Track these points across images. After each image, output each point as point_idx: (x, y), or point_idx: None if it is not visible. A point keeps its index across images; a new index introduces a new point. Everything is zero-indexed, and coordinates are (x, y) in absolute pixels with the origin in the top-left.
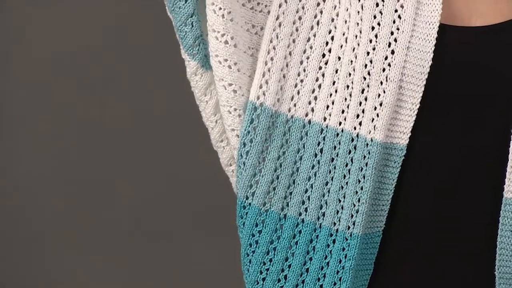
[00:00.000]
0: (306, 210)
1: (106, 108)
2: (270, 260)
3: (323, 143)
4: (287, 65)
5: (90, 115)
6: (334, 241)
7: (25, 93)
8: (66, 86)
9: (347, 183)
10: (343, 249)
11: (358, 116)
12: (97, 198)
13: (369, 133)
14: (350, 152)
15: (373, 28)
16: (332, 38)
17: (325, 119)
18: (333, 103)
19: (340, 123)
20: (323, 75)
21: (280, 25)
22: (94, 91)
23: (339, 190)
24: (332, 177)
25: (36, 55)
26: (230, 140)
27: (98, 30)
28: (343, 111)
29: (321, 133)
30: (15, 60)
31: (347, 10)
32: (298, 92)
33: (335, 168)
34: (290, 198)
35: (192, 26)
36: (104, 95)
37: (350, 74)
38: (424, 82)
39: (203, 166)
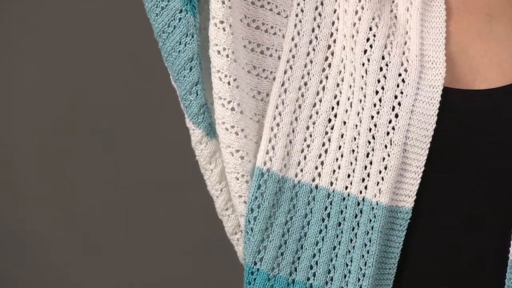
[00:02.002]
0: (314, 275)
1: (106, 109)
2: None
3: (330, 208)
4: (293, 131)
5: (90, 115)
6: None
7: (25, 93)
8: (66, 86)
9: (354, 247)
10: None
11: (363, 180)
12: (96, 198)
13: (375, 196)
14: (356, 216)
15: (377, 92)
16: (338, 103)
17: (331, 183)
18: (339, 168)
19: (346, 188)
20: (329, 140)
21: (285, 91)
22: (94, 91)
23: (346, 254)
24: (340, 242)
25: (36, 55)
26: (236, 207)
27: (98, 30)
28: (349, 176)
29: (328, 198)
30: (15, 60)
31: (351, 75)
32: (305, 158)
33: (342, 232)
34: (298, 263)
35: (197, 94)
36: (104, 95)
37: (355, 139)
38: (428, 146)
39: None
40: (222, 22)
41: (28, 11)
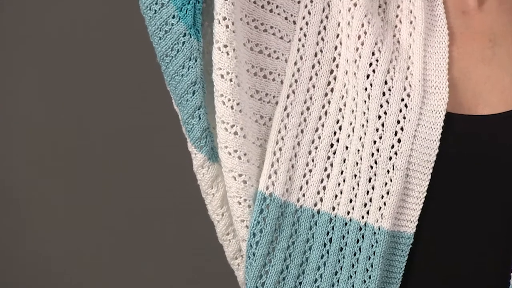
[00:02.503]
0: None
1: (106, 109)
2: None
3: (332, 233)
4: (295, 155)
5: (89, 115)
6: None
7: (24, 93)
8: (66, 87)
9: (355, 272)
10: None
11: (365, 205)
12: (96, 199)
13: (377, 221)
14: (358, 241)
15: (379, 117)
16: (340, 128)
17: (333, 208)
18: (341, 193)
19: (348, 213)
20: (331, 164)
21: (288, 116)
22: (94, 92)
23: (348, 280)
24: (341, 267)
25: (36, 55)
26: (238, 231)
27: (98, 30)
28: (351, 200)
29: (330, 223)
30: (15, 60)
31: (354, 100)
32: (307, 182)
33: (344, 257)
34: None
35: (200, 118)
36: (104, 95)
37: (357, 163)
38: (431, 171)
39: None
40: (226, 46)
41: (28, 11)
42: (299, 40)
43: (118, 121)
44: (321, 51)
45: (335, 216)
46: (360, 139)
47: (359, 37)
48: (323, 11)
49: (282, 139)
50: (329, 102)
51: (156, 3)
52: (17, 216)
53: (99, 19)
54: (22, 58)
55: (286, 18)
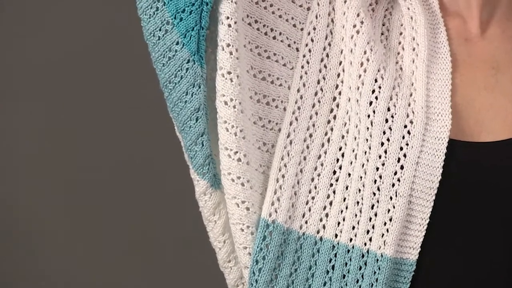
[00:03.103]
0: None
1: (105, 109)
2: None
3: (335, 260)
4: (298, 182)
5: (89, 115)
6: None
7: (24, 94)
8: (66, 87)
9: None
10: None
11: (368, 231)
12: (96, 199)
13: (379, 248)
14: (360, 268)
15: (382, 143)
16: (343, 155)
17: (336, 235)
18: (344, 220)
19: (351, 240)
20: (334, 192)
21: (291, 143)
22: (94, 92)
23: None
24: None
25: (36, 56)
26: (241, 258)
27: (99, 31)
28: (353, 227)
29: (333, 250)
30: (14, 60)
31: (356, 126)
32: (310, 209)
33: (346, 284)
34: None
35: (203, 145)
36: (104, 96)
37: (360, 190)
38: (434, 198)
39: None
40: (229, 72)
41: (28, 11)
42: (302, 67)
43: (118, 121)
44: (324, 78)
45: (338, 243)
46: (363, 166)
47: (361, 64)
48: (326, 38)
49: (285, 166)
50: (331, 129)
51: (160, 30)
52: (17, 216)
53: (99, 19)
54: (22, 58)
55: (289, 45)
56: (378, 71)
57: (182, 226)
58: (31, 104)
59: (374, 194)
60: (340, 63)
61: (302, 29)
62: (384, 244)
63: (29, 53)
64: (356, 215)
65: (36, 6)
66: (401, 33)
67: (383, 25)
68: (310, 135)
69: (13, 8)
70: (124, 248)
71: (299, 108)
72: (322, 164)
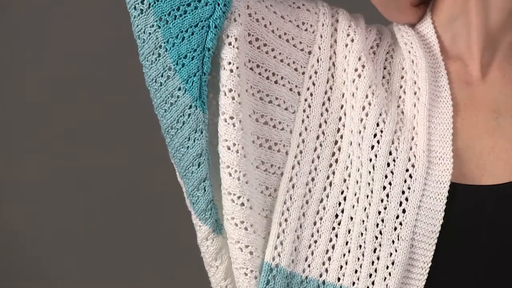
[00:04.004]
0: None
1: (105, 110)
2: None
3: None
4: (301, 226)
5: (89, 116)
6: None
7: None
8: (66, 88)
9: None
10: None
11: (370, 275)
12: (95, 200)
13: None
14: None
15: (384, 187)
16: (345, 198)
17: (339, 279)
18: (346, 263)
19: (353, 283)
20: (336, 235)
21: (293, 187)
22: (95, 92)
23: None
24: None
25: (36, 56)
26: None
27: (99, 31)
28: (356, 271)
29: None
30: (15, 60)
31: (358, 170)
32: (312, 253)
33: None
34: None
35: (205, 190)
36: (105, 96)
37: (362, 234)
38: (436, 241)
39: None
40: (232, 117)
41: (28, 11)
42: (304, 111)
43: (118, 121)
44: (326, 121)
45: (340, 287)
46: (365, 209)
47: (363, 108)
48: (327, 82)
49: (288, 210)
50: (333, 173)
51: (162, 76)
52: (16, 216)
53: (100, 19)
54: (22, 58)
55: (290, 89)
56: (380, 115)
57: (182, 227)
58: (31, 103)
59: (376, 237)
60: (342, 106)
61: (303, 73)
62: None
63: (29, 53)
64: (358, 258)
65: (36, 6)
66: (402, 77)
67: (385, 68)
68: (312, 179)
69: (13, 8)
70: (124, 249)
71: (301, 152)
72: (324, 208)
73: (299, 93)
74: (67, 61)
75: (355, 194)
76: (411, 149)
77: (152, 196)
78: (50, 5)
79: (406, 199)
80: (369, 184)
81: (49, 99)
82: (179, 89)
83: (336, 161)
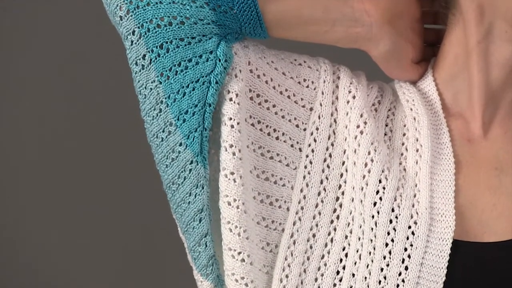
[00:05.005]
0: None
1: (105, 110)
2: None
3: None
4: (302, 283)
5: (89, 116)
6: None
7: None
8: (66, 87)
9: None
10: None
11: None
12: (96, 200)
13: None
14: None
15: (386, 244)
16: (346, 255)
17: None
18: None
19: None
20: None
21: (294, 243)
22: (95, 92)
23: None
24: None
25: (36, 56)
26: None
27: (98, 32)
28: None
29: None
30: (14, 60)
31: (360, 227)
32: None
33: None
34: None
35: (206, 246)
36: (105, 96)
37: None
38: None
39: None
40: (232, 173)
41: (28, 11)
42: (305, 167)
43: (118, 122)
44: (327, 178)
45: None
46: (367, 266)
47: (365, 165)
48: (329, 138)
49: (289, 266)
50: (335, 229)
51: (163, 131)
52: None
53: (99, 19)
54: (22, 58)
55: (292, 145)
56: (382, 172)
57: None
58: (31, 104)
59: None
60: (343, 163)
61: (305, 129)
62: None
63: (29, 53)
64: None
65: (36, 7)
66: (404, 134)
67: (386, 125)
68: (314, 235)
69: (13, 8)
70: (124, 249)
71: (302, 208)
72: (325, 264)
73: (300, 150)
74: (67, 61)
75: (357, 251)
76: (413, 206)
77: (152, 198)
78: (50, 6)
79: (409, 256)
80: (371, 241)
81: (49, 99)
82: (180, 144)
83: (338, 217)
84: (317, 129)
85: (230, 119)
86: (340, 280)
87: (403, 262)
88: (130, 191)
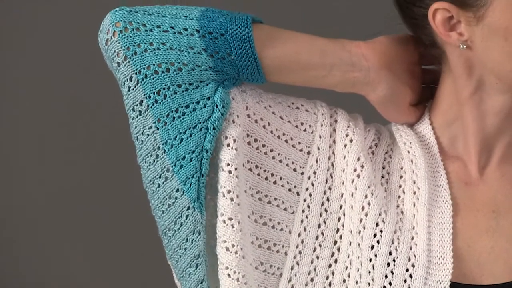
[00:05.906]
0: None
1: (105, 110)
2: None
3: None
4: None
5: (89, 115)
6: None
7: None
8: (66, 88)
9: None
10: None
11: None
12: (96, 200)
13: None
14: None
15: (384, 287)
16: None
17: None
18: None
19: None
20: None
21: (292, 287)
22: (96, 92)
23: None
24: None
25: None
26: None
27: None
28: None
29: None
30: (14, 60)
31: (358, 270)
32: None
33: None
34: None
35: None
36: (105, 96)
37: None
38: None
39: None
40: (230, 219)
41: (28, 11)
42: (303, 211)
43: (118, 122)
44: (325, 222)
45: None
46: None
47: (362, 208)
48: (326, 182)
49: None
50: (333, 273)
51: (160, 177)
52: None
53: (99, 19)
54: (22, 58)
55: (289, 190)
56: (380, 214)
57: None
58: (31, 104)
59: None
60: (341, 206)
61: (302, 173)
62: None
63: (29, 53)
64: None
65: (36, 7)
66: (401, 176)
67: (383, 168)
68: (312, 280)
69: (13, 8)
70: (124, 249)
71: (300, 252)
72: None
73: (298, 194)
74: (67, 61)
75: None
76: (411, 248)
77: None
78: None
79: None
80: (369, 284)
81: (49, 99)
82: (177, 190)
83: (336, 261)
84: (314, 173)
85: (228, 164)
86: None
87: None
88: (130, 191)
